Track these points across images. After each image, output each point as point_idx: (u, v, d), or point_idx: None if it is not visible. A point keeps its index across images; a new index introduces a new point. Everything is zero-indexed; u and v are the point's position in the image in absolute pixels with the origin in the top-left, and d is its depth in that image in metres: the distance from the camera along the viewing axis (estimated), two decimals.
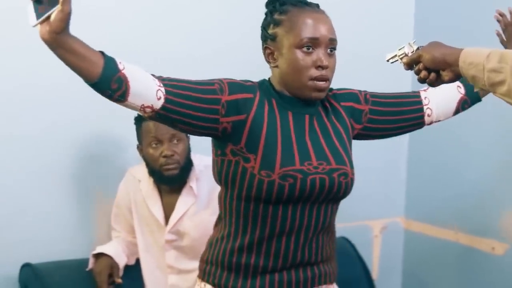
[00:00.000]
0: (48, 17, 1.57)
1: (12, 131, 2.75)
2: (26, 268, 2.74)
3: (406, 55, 1.84)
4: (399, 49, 1.86)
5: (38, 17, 1.59)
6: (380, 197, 3.54)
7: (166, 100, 1.73)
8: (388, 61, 1.90)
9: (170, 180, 2.67)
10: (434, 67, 1.77)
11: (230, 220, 1.90)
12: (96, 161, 2.92)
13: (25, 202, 2.80)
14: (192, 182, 2.69)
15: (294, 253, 1.88)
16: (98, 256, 2.74)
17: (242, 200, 1.86)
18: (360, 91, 2.04)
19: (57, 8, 1.55)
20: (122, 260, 2.76)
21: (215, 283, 1.93)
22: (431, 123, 2.09)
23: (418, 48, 1.82)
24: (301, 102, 1.89)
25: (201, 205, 2.70)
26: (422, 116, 2.05)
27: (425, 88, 2.07)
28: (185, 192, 2.70)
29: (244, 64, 2.98)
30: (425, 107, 2.05)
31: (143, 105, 1.71)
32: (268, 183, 1.80)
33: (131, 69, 1.69)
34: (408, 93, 2.08)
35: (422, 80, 1.80)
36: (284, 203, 1.83)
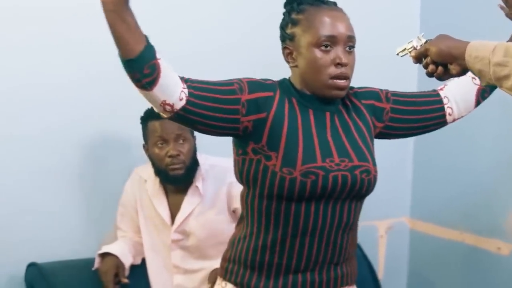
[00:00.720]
0: None
1: (18, 131, 2.75)
2: (32, 267, 2.74)
3: (415, 48, 1.83)
4: (408, 43, 1.86)
5: None
6: (386, 197, 3.53)
7: (188, 102, 1.73)
8: (398, 54, 1.89)
9: (176, 180, 2.67)
10: (441, 61, 1.76)
11: (253, 218, 1.90)
12: (103, 160, 2.92)
13: (31, 201, 2.80)
14: (198, 182, 2.69)
15: (317, 252, 1.87)
16: (104, 255, 2.74)
17: (264, 198, 1.85)
18: (381, 89, 2.03)
19: None
20: (128, 260, 2.76)
21: (237, 282, 1.92)
22: (454, 120, 2.07)
23: (426, 42, 1.82)
24: (321, 100, 1.89)
25: (207, 204, 2.71)
26: (444, 116, 2.04)
27: (441, 87, 2.06)
28: (191, 191, 2.70)
29: (247, 63, 2.98)
30: (445, 106, 2.04)
31: (164, 101, 1.71)
32: (289, 181, 1.80)
33: (165, 62, 1.70)
34: (428, 93, 2.07)
35: (430, 74, 1.80)
36: (306, 200, 1.82)
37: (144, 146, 2.73)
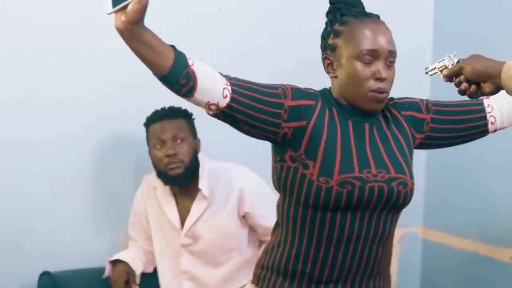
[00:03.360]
0: (124, 7, 1.56)
1: (31, 139, 2.77)
2: (45, 276, 2.75)
3: (446, 67, 1.86)
4: (438, 62, 1.88)
5: (114, 5, 1.58)
6: None
7: (232, 99, 1.73)
8: (427, 73, 1.91)
9: (175, 180, 2.69)
10: (475, 79, 1.79)
11: (287, 226, 1.89)
12: (116, 169, 2.94)
13: (44, 210, 2.81)
14: (200, 184, 2.70)
15: (351, 263, 1.86)
16: (115, 263, 2.75)
17: (300, 206, 1.85)
18: (421, 99, 2.01)
19: None
20: (138, 267, 2.78)
21: None
22: (495, 130, 2.04)
23: (458, 61, 1.84)
24: (360, 111, 1.88)
25: (216, 208, 2.72)
26: (486, 124, 2.01)
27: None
28: (199, 195, 2.72)
29: (265, 71, 2.99)
30: (488, 115, 2.00)
31: (208, 102, 1.71)
32: (326, 190, 1.79)
33: (200, 65, 1.70)
34: (470, 101, 2.03)
35: (462, 92, 1.82)
36: (342, 210, 1.82)
37: (149, 152, 2.76)
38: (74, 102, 2.82)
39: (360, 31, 1.84)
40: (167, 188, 2.76)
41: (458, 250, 3.40)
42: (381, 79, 1.83)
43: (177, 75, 1.66)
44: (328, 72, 1.91)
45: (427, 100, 2.02)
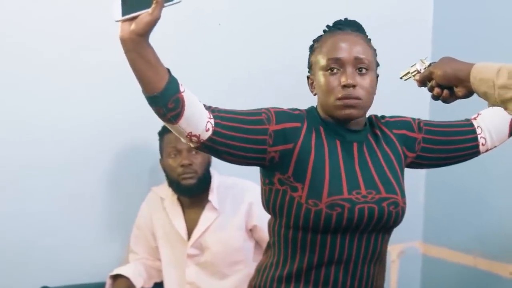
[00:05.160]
0: (134, 18, 1.55)
1: (38, 157, 2.77)
2: None
3: (418, 72, 1.81)
4: (411, 66, 1.84)
5: (124, 14, 1.55)
6: None
7: (214, 132, 1.71)
8: (401, 78, 1.87)
9: (188, 190, 2.70)
10: (446, 84, 1.74)
11: (279, 247, 1.89)
12: (117, 184, 2.94)
13: (49, 226, 2.81)
14: (210, 196, 2.72)
15: (343, 283, 1.85)
16: (116, 277, 2.75)
17: (291, 228, 1.84)
18: (413, 119, 2.01)
19: (147, 11, 1.53)
20: (139, 282, 2.77)
21: None
22: (486, 151, 2.04)
23: (430, 65, 1.79)
24: (347, 129, 1.87)
25: (224, 220, 2.73)
26: (477, 146, 2.01)
27: (475, 116, 2.04)
28: (208, 207, 2.73)
29: (264, 87, 3.00)
30: (479, 137, 2.00)
31: (190, 132, 1.69)
32: (315, 212, 1.78)
33: (189, 94, 1.67)
34: (461, 122, 2.03)
35: (435, 97, 1.77)
36: (332, 232, 1.81)
37: (160, 161, 2.77)
38: (80, 119, 2.83)
39: (327, 43, 1.86)
40: (175, 199, 2.77)
41: (458, 265, 3.39)
42: (347, 86, 1.80)
43: (167, 98, 1.62)
44: (311, 91, 1.92)
45: (419, 119, 2.01)
